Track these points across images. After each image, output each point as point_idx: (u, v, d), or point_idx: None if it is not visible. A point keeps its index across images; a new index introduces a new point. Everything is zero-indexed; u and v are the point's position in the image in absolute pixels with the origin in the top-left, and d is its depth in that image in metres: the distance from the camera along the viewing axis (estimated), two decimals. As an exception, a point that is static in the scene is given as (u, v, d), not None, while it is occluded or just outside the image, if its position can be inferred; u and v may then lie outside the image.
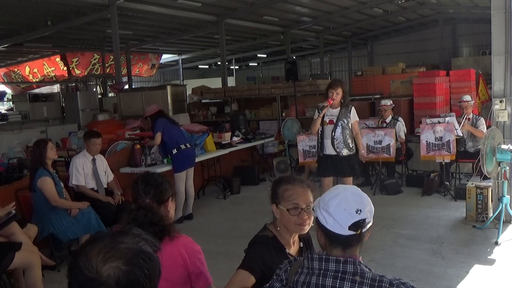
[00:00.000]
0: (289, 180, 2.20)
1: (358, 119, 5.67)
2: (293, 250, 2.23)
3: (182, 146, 6.46)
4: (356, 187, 1.71)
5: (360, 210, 1.58)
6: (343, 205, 1.59)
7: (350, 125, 5.52)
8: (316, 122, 5.52)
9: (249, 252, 2.20)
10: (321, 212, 1.63)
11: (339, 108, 5.49)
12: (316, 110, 5.55)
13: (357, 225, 1.57)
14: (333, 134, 5.47)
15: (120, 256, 1.08)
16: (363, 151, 6.07)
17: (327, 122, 5.51)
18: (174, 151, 6.38)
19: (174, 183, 6.40)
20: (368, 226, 1.61)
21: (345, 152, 5.50)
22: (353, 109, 5.58)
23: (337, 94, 5.42)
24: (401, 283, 1.53)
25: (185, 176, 6.54)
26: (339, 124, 5.46)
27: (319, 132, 5.59)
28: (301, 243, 2.29)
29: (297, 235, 2.24)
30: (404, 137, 8.02)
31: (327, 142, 5.53)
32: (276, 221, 2.20)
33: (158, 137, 6.34)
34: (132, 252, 1.10)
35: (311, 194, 2.16)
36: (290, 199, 2.12)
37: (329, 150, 5.53)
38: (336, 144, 5.48)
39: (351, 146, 5.56)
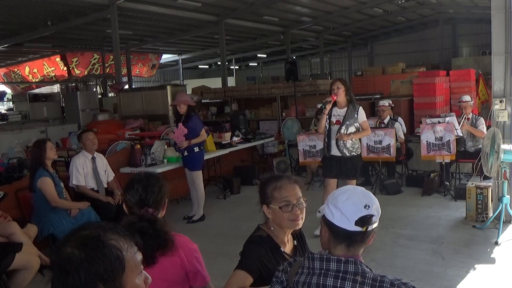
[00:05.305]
0: (276, 178, 2.22)
1: (366, 119, 5.45)
2: (287, 248, 2.25)
3: (202, 146, 6.58)
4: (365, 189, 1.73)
5: (369, 206, 1.60)
6: (352, 199, 1.61)
7: (357, 126, 5.33)
8: (321, 121, 5.37)
9: (245, 252, 2.21)
10: (329, 207, 1.64)
11: (345, 108, 5.32)
12: (321, 106, 5.41)
13: (364, 221, 1.58)
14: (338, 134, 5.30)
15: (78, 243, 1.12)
16: (349, 136, 5.29)
17: (334, 122, 5.34)
18: (196, 149, 6.40)
19: (194, 181, 6.46)
20: (374, 226, 1.61)
21: (349, 153, 5.33)
22: (360, 109, 5.36)
23: (339, 88, 5.25)
24: (402, 284, 1.53)
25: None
26: (346, 124, 5.28)
27: (325, 132, 5.42)
28: (295, 241, 2.31)
29: (290, 233, 2.27)
30: (403, 137, 8.02)
31: (332, 143, 5.35)
32: (269, 221, 2.22)
33: (204, 133, 6.43)
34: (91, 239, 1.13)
35: (299, 189, 2.19)
36: (281, 196, 2.14)
37: (335, 151, 5.35)
38: (340, 144, 5.31)
39: (355, 147, 5.38)
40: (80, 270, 1.08)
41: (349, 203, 1.60)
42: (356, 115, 5.31)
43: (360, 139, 5.62)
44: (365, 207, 1.59)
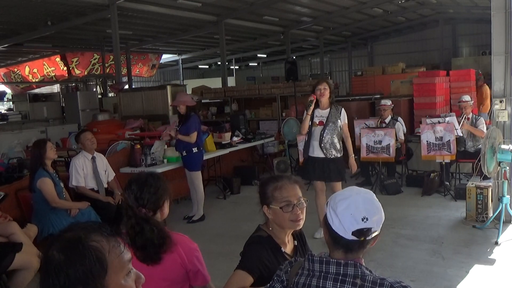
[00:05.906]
0: (276, 178, 2.22)
1: (347, 122, 5.45)
2: (288, 248, 2.25)
3: (201, 147, 6.56)
4: (372, 192, 1.67)
5: (367, 219, 1.56)
6: (351, 210, 1.57)
7: (339, 127, 5.33)
8: (305, 121, 5.33)
9: (246, 252, 2.21)
10: (329, 211, 1.62)
11: (329, 109, 5.29)
12: (307, 105, 5.35)
13: (361, 233, 1.56)
14: (322, 135, 5.25)
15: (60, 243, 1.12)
16: (352, 158, 5.47)
17: (317, 123, 5.29)
18: (195, 149, 6.40)
19: (193, 182, 6.47)
20: (374, 235, 1.59)
21: (333, 153, 5.28)
22: (343, 111, 5.37)
23: (325, 89, 5.23)
24: (402, 286, 1.53)
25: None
26: (329, 125, 5.26)
27: (307, 133, 5.36)
28: (295, 241, 2.31)
29: (291, 233, 2.27)
30: (403, 138, 8.02)
31: (315, 144, 5.29)
32: (269, 221, 2.22)
33: (194, 136, 6.34)
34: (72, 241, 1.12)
35: (300, 189, 2.19)
36: (281, 197, 2.14)
37: (317, 152, 5.30)
38: (324, 145, 5.25)
39: (338, 148, 5.33)
40: (60, 273, 1.08)
41: (347, 214, 1.56)
42: (339, 116, 5.32)
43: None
44: (363, 219, 1.55)
